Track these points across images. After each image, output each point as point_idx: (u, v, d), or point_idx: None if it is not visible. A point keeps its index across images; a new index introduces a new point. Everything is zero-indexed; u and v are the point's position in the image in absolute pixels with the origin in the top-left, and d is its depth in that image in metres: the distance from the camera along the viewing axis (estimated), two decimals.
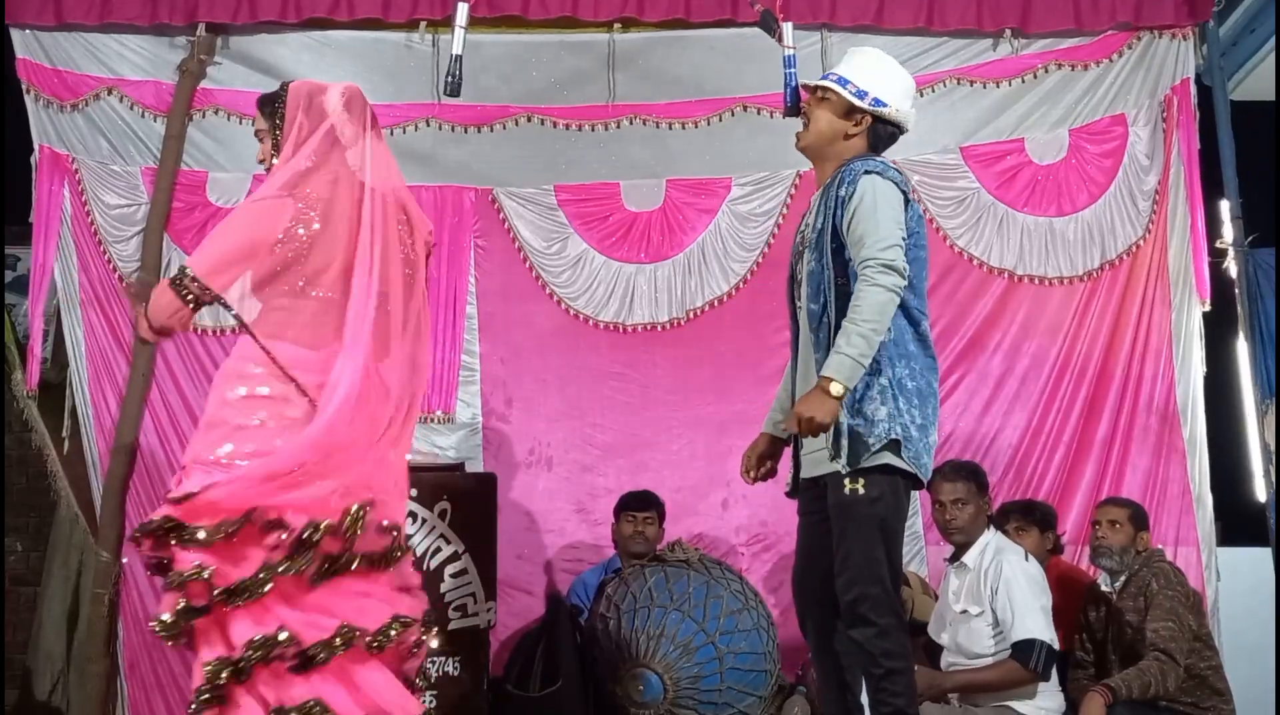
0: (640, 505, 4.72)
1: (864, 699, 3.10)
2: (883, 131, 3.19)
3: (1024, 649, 3.74)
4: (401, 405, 2.85)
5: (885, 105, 3.15)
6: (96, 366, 4.94)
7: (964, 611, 3.92)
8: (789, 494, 3.24)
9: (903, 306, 3.00)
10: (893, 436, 2.96)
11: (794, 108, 3.35)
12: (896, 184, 3.04)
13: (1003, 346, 5.10)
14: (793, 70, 3.41)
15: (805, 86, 3.30)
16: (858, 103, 3.15)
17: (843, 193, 3.04)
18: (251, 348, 2.85)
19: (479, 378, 5.15)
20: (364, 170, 2.91)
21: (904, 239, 2.98)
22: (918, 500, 4.28)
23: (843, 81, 3.19)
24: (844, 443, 2.95)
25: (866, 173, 3.03)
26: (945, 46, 5.17)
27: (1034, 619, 3.77)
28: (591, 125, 5.21)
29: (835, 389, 2.87)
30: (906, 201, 3.05)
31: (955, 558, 4.04)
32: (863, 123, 3.17)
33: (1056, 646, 3.83)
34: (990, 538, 3.98)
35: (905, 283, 2.94)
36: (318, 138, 2.90)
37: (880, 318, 2.90)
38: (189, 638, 2.67)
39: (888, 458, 2.97)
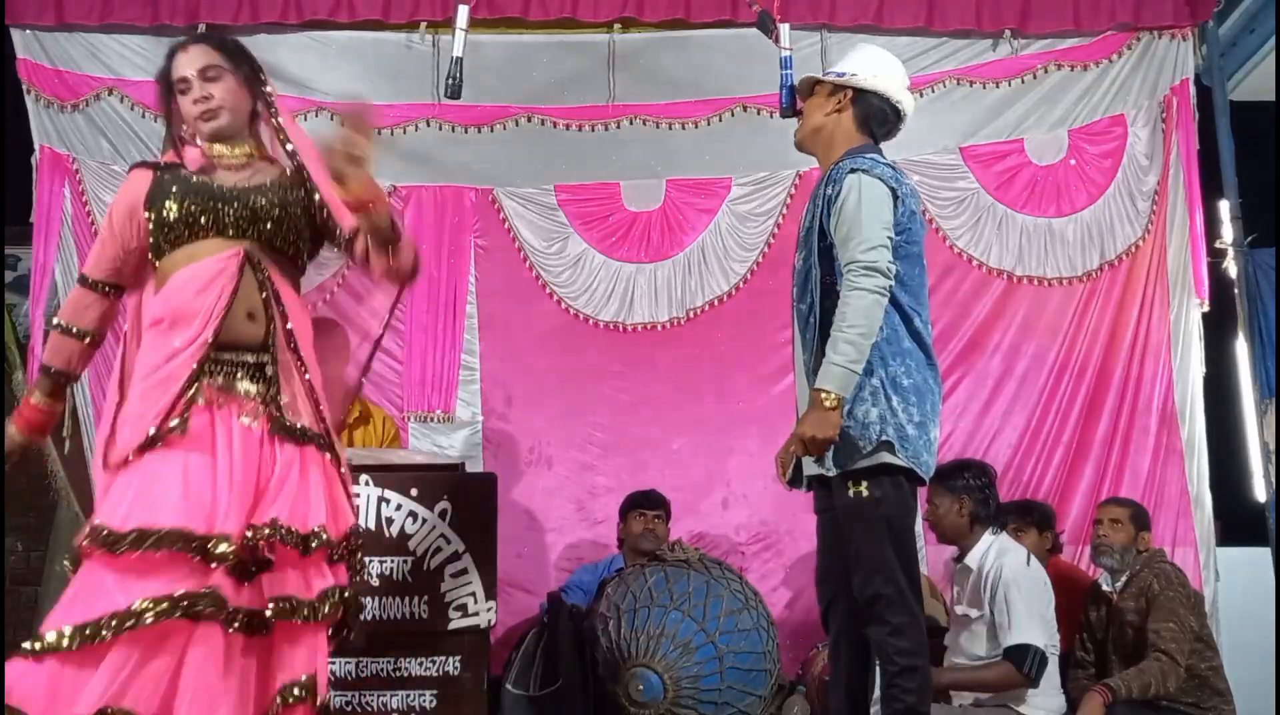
0: (651, 503, 4.72)
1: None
2: (872, 107, 3.18)
3: (1017, 653, 3.73)
4: None
5: (855, 74, 3.18)
6: (97, 366, 4.94)
7: (965, 615, 3.92)
8: (790, 484, 3.24)
9: (896, 304, 2.99)
10: (885, 438, 2.95)
11: (790, 109, 3.36)
12: (884, 181, 3.01)
13: (1002, 347, 5.11)
14: (789, 72, 3.42)
15: (798, 93, 3.32)
16: (834, 80, 3.21)
17: (829, 191, 3.04)
18: None
19: (479, 377, 5.16)
20: None
21: (890, 238, 2.97)
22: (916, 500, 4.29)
23: (825, 73, 3.29)
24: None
25: (852, 170, 3.02)
26: (945, 47, 5.18)
27: (1030, 624, 3.76)
28: (591, 125, 5.22)
29: (829, 400, 2.87)
30: (896, 197, 3.03)
31: (959, 559, 4.04)
32: (845, 98, 3.19)
33: (1053, 651, 3.82)
34: (993, 539, 3.95)
35: (891, 282, 2.93)
36: None
37: (866, 321, 2.89)
38: None
39: (885, 457, 2.97)
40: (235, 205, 2.58)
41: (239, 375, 2.51)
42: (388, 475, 3.73)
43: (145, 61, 5.09)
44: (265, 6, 5.02)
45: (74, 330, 2.77)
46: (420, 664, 3.65)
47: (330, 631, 2.53)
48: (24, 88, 5.09)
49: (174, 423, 2.42)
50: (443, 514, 3.70)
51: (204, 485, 2.39)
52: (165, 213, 2.58)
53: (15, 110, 5.10)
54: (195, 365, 2.46)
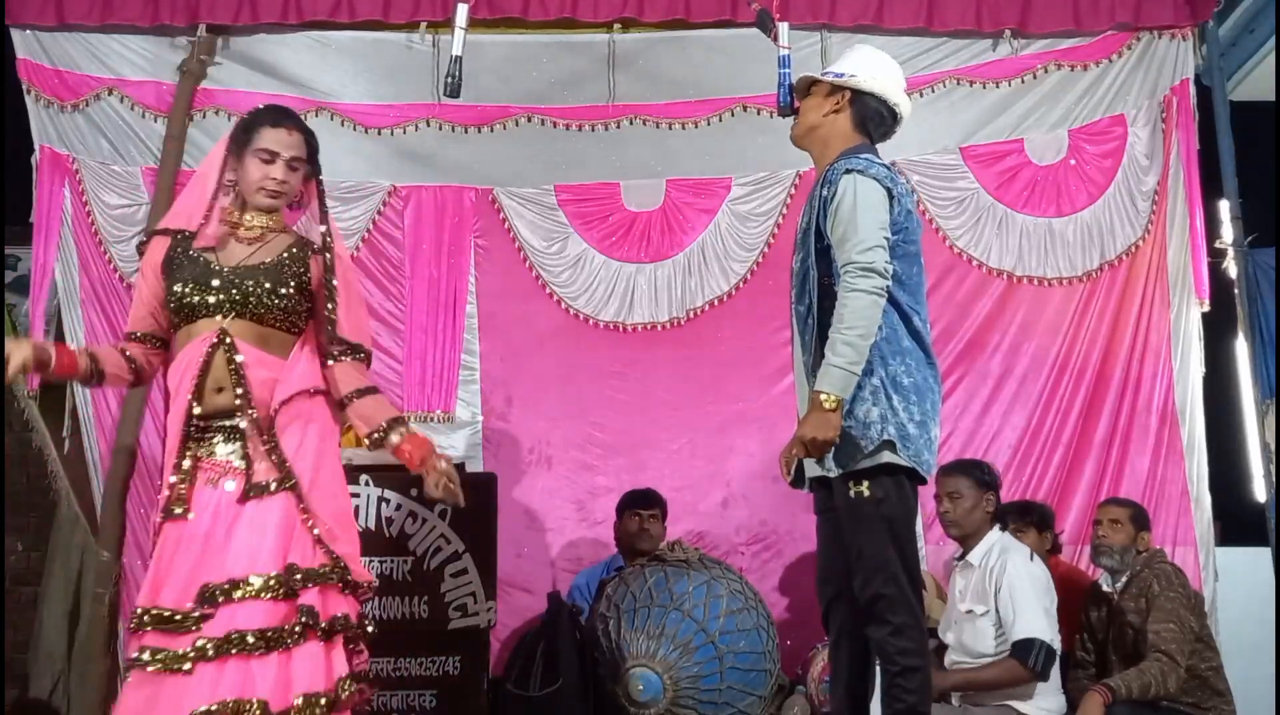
0: (646, 503, 4.74)
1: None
2: (869, 108, 3.19)
3: (1023, 648, 3.75)
4: None
5: (854, 75, 3.19)
6: None
7: (969, 611, 3.92)
8: (793, 484, 3.24)
9: (894, 303, 2.99)
10: (886, 437, 2.95)
11: (788, 107, 3.36)
12: (879, 181, 3.02)
13: (1002, 347, 5.10)
14: (788, 70, 3.42)
15: (795, 92, 3.33)
16: (833, 80, 3.22)
17: (825, 193, 3.05)
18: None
19: (479, 377, 5.16)
20: None
21: (887, 238, 2.97)
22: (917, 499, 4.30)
23: (823, 73, 3.29)
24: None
25: (848, 171, 3.03)
26: (945, 47, 5.18)
27: (1035, 618, 3.77)
28: (591, 125, 5.22)
29: (828, 402, 2.88)
30: (892, 197, 3.03)
31: (961, 556, 4.05)
32: (843, 99, 3.19)
33: (1057, 647, 3.83)
34: (996, 537, 3.98)
35: (888, 282, 2.94)
36: None
37: (864, 322, 2.90)
38: None
39: (886, 456, 2.97)
40: (230, 290, 2.86)
41: (218, 440, 2.81)
42: (388, 475, 3.73)
43: (145, 61, 5.10)
44: (265, 6, 5.01)
45: (121, 350, 3.01)
46: (420, 664, 3.66)
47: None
48: (24, 88, 5.09)
49: (176, 506, 2.77)
50: (443, 514, 3.71)
51: (182, 559, 2.75)
52: (169, 298, 2.89)
53: (15, 110, 5.10)
54: (179, 444, 2.81)
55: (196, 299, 2.85)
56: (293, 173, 2.92)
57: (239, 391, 2.79)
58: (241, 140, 2.92)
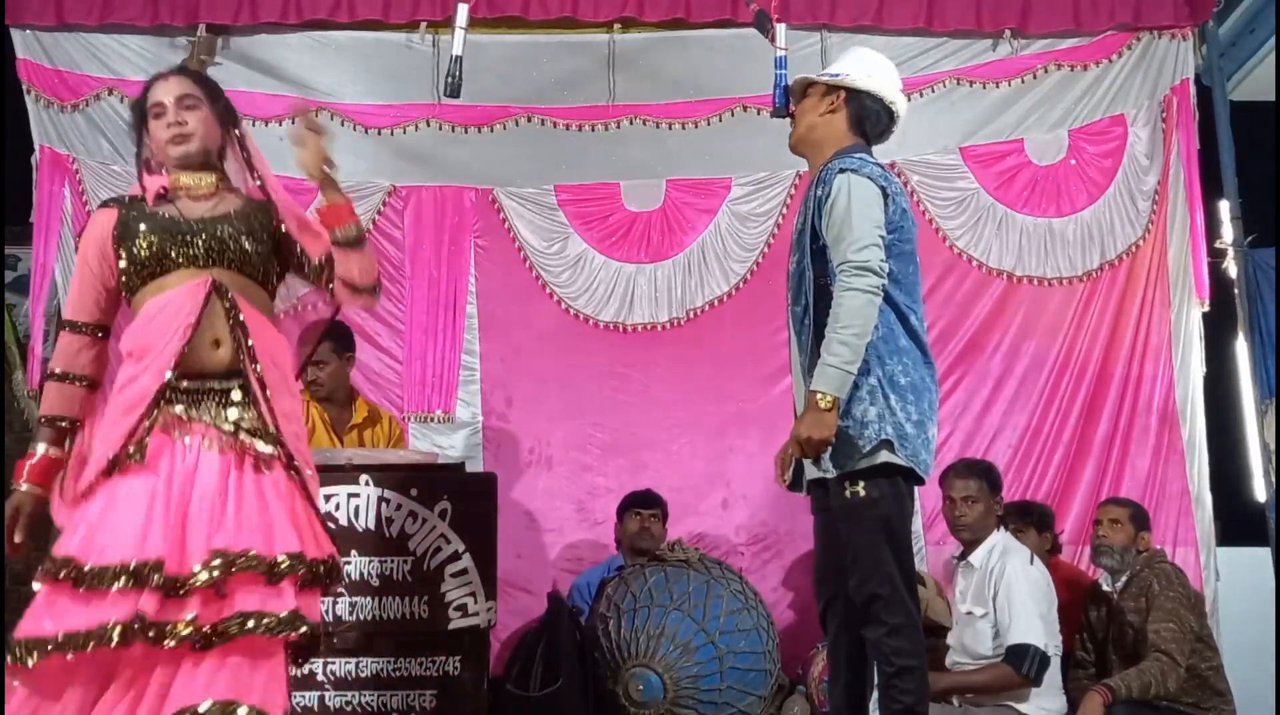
0: (646, 503, 4.75)
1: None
2: (865, 108, 3.19)
3: (1017, 654, 3.75)
4: None
5: (849, 74, 3.19)
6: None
7: (969, 613, 3.93)
8: (791, 487, 3.24)
9: (890, 302, 2.99)
10: (884, 437, 2.95)
11: (783, 109, 3.36)
12: (873, 180, 3.02)
13: (1002, 347, 5.11)
14: (784, 72, 3.42)
15: (791, 95, 3.33)
16: (828, 80, 3.22)
17: (820, 193, 3.05)
18: None
19: (479, 377, 5.16)
20: None
21: (882, 237, 2.98)
22: (917, 500, 4.30)
23: (819, 75, 3.30)
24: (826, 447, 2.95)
25: (841, 171, 3.03)
26: (945, 47, 5.18)
27: (1030, 624, 3.77)
28: (591, 125, 5.22)
29: (825, 401, 2.88)
30: (886, 195, 3.03)
31: (963, 557, 4.05)
32: (839, 99, 3.19)
33: (1055, 652, 3.83)
34: (998, 539, 3.99)
35: (883, 281, 2.94)
36: None
37: (860, 321, 2.90)
38: None
39: (884, 456, 2.97)
40: (203, 236, 2.66)
41: (204, 403, 2.59)
42: (388, 475, 3.73)
43: (145, 61, 5.08)
44: (265, 6, 5.01)
45: (71, 376, 2.76)
46: (420, 664, 3.65)
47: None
48: (24, 88, 5.09)
49: (131, 450, 2.51)
50: (443, 514, 3.70)
51: (152, 513, 2.48)
52: (136, 251, 2.66)
53: (15, 110, 5.10)
54: (153, 396, 2.54)
55: (165, 246, 2.62)
56: (190, 111, 2.73)
57: (247, 344, 2.59)
58: (139, 116, 2.77)
